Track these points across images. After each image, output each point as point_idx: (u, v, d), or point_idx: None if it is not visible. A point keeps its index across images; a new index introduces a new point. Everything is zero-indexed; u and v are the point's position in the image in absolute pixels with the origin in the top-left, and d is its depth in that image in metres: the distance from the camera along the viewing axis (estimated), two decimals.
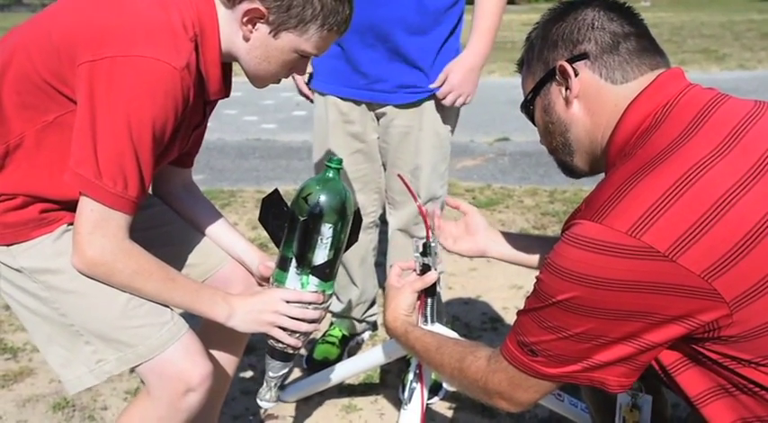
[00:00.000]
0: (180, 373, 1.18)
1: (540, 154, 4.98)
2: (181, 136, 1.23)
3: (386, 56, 1.74)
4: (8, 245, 1.15)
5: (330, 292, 1.22)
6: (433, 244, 1.28)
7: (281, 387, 1.83)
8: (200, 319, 1.37)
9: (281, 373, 1.26)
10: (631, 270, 0.82)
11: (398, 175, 1.43)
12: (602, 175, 0.99)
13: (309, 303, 1.19)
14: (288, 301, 1.19)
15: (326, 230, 1.15)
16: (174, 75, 1.07)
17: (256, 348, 2.05)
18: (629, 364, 0.89)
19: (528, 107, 1.08)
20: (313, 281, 1.19)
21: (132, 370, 1.22)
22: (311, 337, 1.27)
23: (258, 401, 1.29)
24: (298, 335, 1.22)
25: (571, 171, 1.09)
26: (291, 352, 1.24)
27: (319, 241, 1.16)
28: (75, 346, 1.18)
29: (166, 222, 1.40)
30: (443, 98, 1.77)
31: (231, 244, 1.42)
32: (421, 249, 1.29)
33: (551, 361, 0.92)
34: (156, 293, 1.16)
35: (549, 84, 1.02)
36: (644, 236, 0.81)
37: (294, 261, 1.17)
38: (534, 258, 1.35)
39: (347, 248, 1.23)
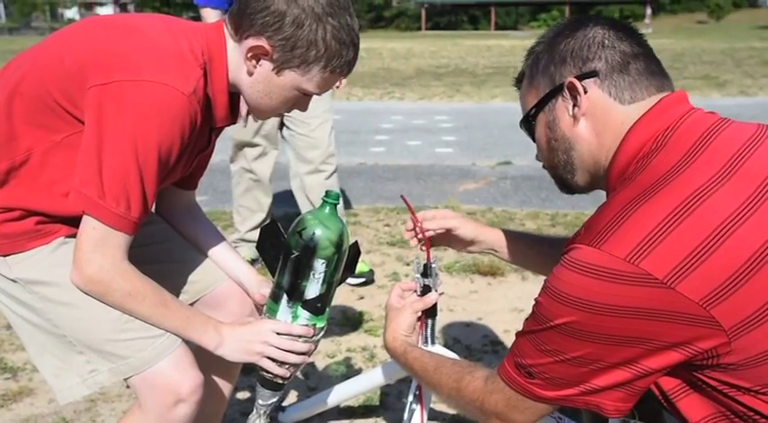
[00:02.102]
0: (170, 384, 1.18)
1: (542, 178, 5.00)
2: (185, 159, 1.24)
3: None
4: (4, 255, 1.17)
5: (322, 325, 1.22)
6: (433, 265, 1.28)
7: (281, 408, 1.82)
8: None
9: (270, 402, 1.26)
10: (629, 296, 0.81)
11: (401, 197, 1.44)
12: (601, 198, 1.00)
13: (299, 336, 1.20)
14: (278, 333, 1.19)
15: (319, 266, 1.14)
16: (181, 100, 1.09)
17: (255, 369, 2.04)
18: (627, 389, 0.88)
19: (529, 122, 1.06)
20: (304, 314, 1.18)
21: (127, 385, 1.22)
22: (297, 370, 1.26)
23: None
24: (287, 366, 1.22)
25: (569, 188, 1.08)
26: (281, 382, 1.24)
27: (311, 276, 1.15)
28: (68, 356, 1.19)
29: (167, 239, 1.41)
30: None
31: (231, 266, 1.43)
32: (421, 270, 1.29)
33: (548, 384, 0.92)
34: (148, 317, 1.17)
35: (554, 100, 1.01)
36: (642, 262, 0.81)
37: (285, 294, 1.18)
38: (508, 251, 1.37)
39: (343, 281, 1.23)
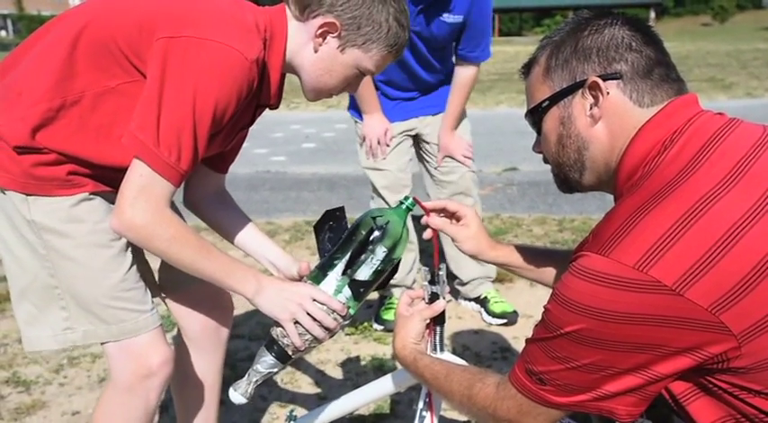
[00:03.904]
0: (142, 355, 1.23)
1: (549, 183, 4.97)
2: (227, 130, 1.27)
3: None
4: (27, 194, 1.19)
5: (352, 313, 1.25)
6: (441, 272, 1.29)
7: (291, 418, 1.82)
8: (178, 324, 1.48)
9: (267, 372, 1.24)
10: (638, 303, 0.82)
11: (413, 198, 1.40)
12: (608, 202, 1.00)
13: (333, 311, 1.21)
14: (315, 301, 1.21)
15: (380, 252, 1.21)
16: (243, 64, 1.13)
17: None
18: (638, 394, 0.88)
19: (538, 114, 1.03)
20: (346, 292, 1.22)
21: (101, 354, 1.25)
22: (307, 351, 1.27)
23: (231, 391, 1.23)
24: (306, 338, 1.22)
25: (570, 187, 1.07)
26: (290, 354, 1.24)
27: (370, 259, 1.21)
28: (47, 307, 1.23)
29: None
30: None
31: (263, 249, 1.45)
32: (429, 278, 1.30)
33: (560, 390, 0.92)
34: (191, 262, 1.18)
35: (571, 96, 0.99)
36: (651, 270, 0.81)
37: (340, 266, 1.21)
38: (523, 267, 1.36)
39: (378, 288, 1.26)
